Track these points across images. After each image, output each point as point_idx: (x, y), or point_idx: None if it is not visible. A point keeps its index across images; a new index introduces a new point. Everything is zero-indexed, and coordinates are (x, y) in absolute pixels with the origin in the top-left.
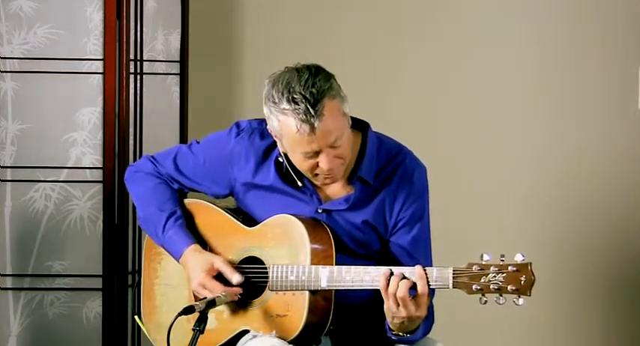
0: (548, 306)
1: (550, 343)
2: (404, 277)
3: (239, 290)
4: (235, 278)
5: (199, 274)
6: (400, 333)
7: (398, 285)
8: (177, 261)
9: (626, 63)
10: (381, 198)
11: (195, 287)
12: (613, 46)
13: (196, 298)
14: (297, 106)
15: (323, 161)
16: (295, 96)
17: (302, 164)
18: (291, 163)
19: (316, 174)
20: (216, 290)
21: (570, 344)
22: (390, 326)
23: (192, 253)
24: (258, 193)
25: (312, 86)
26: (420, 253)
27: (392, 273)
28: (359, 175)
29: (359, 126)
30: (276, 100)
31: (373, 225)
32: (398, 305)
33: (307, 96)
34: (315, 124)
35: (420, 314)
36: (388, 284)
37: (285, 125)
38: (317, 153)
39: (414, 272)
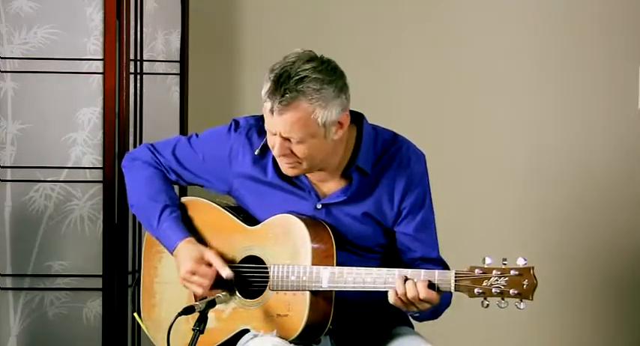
0: (549, 308)
1: (552, 344)
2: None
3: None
4: (225, 272)
5: (189, 262)
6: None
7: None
8: (171, 254)
9: (626, 63)
10: (380, 189)
11: (183, 274)
12: (613, 46)
13: (196, 297)
14: (275, 83)
15: (275, 145)
16: (282, 74)
17: (268, 137)
18: None
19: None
20: (208, 276)
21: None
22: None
23: (186, 244)
24: (256, 188)
25: (302, 77)
26: (426, 235)
27: (406, 278)
28: (357, 165)
29: (354, 118)
30: (272, 68)
31: (374, 216)
32: (405, 304)
33: (290, 81)
34: (275, 108)
35: (421, 308)
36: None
37: (263, 92)
38: (275, 135)
39: (419, 274)
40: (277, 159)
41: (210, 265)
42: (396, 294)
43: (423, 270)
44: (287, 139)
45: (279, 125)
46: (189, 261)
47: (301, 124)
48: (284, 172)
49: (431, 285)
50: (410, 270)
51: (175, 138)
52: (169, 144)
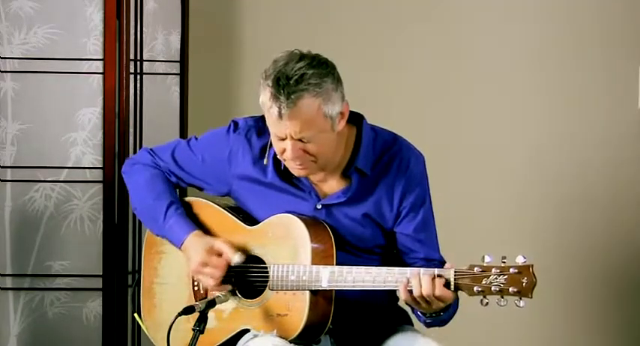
0: (548, 306)
1: (551, 343)
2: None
3: (228, 286)
4: (235, 257)
5: (200, 253)
6: (432, 314)
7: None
8: (179, 249)
9: (626, 63)
10: (380, 190)
11: (195, 266)
12: (613, 46)
13: (196, 295)
14: (276, 87)
15: (287, 149)
16: (280, 77)
17: (275, 144)
18: None
19: (285, 159)
20: (220, 267)
21: (572, 344)
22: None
23: (193, 237)
24: (256, 189)
25: (300, 76)
26: (426, 236)
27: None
28: (356, 166)
29: (353, 118)
30: (266, 74)
31: (374, 217)
32: (418, 303)
33: (290, 82)
34: (283, 111)
35: (436, 307)
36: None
37: (264, 100)
38: (284, 139)
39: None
40: (287, 163)
41: (220, 255)
42: (410, 292)
43: (422, 268)
44: (299, 140)
45: (289, 128)
46: (201, 253)
47: (311, 122)
48: (295, 174)
49: (446, 284)
50: (409, 269)
51: (175, 141)
52: (169, 148)
